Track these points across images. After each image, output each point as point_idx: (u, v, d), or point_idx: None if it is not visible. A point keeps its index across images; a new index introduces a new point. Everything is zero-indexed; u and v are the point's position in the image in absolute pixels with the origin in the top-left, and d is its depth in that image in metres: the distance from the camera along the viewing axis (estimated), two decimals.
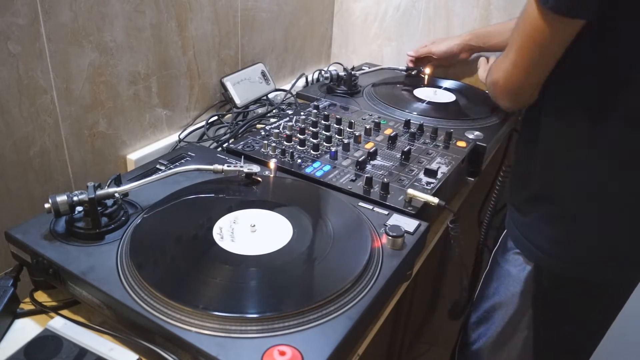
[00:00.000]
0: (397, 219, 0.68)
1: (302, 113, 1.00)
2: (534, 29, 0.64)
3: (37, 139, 0.74)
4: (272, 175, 0.75)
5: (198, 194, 0.70)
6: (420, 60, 1.28)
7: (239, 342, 0.48)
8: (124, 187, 0.64)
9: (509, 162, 0.96)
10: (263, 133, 0.91)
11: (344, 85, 1.15)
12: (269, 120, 1.01)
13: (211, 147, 0.93)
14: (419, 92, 1.17)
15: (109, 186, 0.64)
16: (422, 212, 0.71)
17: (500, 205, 0.99)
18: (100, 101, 0.82)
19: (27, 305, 0.60)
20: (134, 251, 0.58)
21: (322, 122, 0.95)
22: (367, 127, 0.93)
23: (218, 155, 0.81)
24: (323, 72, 1.18)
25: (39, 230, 0.61)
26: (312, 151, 0.85)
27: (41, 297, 0.62)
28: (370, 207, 0.70)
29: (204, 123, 1.00)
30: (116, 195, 0.62)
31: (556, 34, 0.63)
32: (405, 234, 0.63)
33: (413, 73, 1.28)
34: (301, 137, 0.88)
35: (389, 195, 0.74)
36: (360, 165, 0.81)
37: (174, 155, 0.81)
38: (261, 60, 1.17)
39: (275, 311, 0.51)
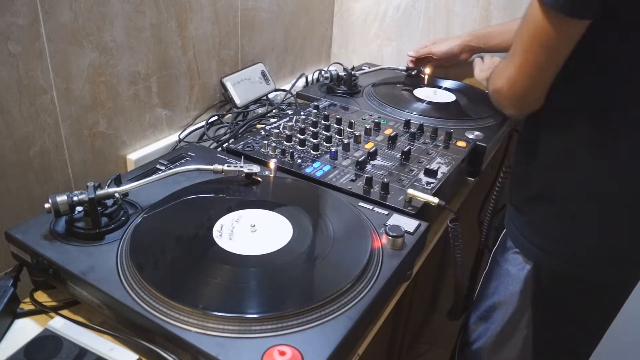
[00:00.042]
0: (397, 219, 0.68)
1: (302, 113, 1.00)
2: (539, 30, 0.63)
3: (37, 139, 0.74)
4: (272, 175, 0.75)
5: (198, 194, 0.70)
6: (420, 61, 1.28)
7: (239, 342, 0.48)
8: (124, 187, 0.64)
9: (509, 162, 0.96)
10: (263, 133, 0.91)
11: (344, 85, 1.15)
12: (269, 120, 1.01)
13: (211, 147, 0.93)
14: (419, 92, 1.17)
15: (109, 186, 0.64)
16: (422, 212, 0.71)
17: (500, 205, 0.99)
18: (100, 101, 0.82)
19: (27, 305, 0.60)
20: (134, 251, 0.58)
21: (322, 122, 0.95)
22: (367, 127, 0.93)
23: (218, 155, 0.81)
24: (323, 72, 1.18)
25: (39, 230, 0.61)
26: (312, 151, 0.85)
27: (41, 297, 0.62)
28: (370, 207, 0.70)
29: (204, 123, 1.00)
30: (116, 195, 0.62)
31: (562, 34, 0.62)
32: (405, 234, 0.63)
33: (413, 73, 1.27)
34: (301, 137, 0.88)
35: (389, 195, 0.74)
36: (360, 165, 0.81)
37: (174, 155, 0.81)
38: (261, 60, 1.17)
39: (275, 311, 0.51)
